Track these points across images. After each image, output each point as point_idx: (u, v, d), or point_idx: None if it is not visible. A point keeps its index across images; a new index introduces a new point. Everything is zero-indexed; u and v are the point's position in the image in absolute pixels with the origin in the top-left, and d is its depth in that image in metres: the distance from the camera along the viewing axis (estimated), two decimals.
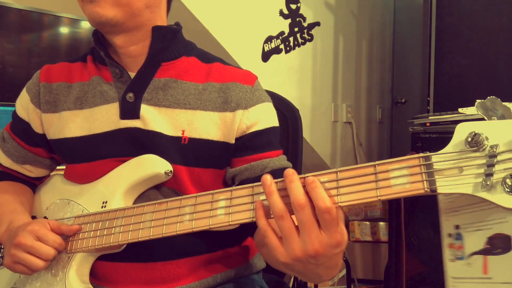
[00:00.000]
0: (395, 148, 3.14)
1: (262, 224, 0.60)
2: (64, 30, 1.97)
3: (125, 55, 0.85)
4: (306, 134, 2.17)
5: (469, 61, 2.04)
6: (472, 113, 1.52)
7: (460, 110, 1.57)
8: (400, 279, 1.60)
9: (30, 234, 0.76)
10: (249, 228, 0.87)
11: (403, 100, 2.98)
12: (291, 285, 1.24)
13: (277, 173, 0.85)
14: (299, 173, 0.60)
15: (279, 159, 0.87)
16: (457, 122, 1.55)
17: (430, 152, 0.55)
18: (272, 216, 0.60)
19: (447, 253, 0.59)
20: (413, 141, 1.67)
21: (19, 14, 1.83)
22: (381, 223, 2.24)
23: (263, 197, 0.62)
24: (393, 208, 1.68)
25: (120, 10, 0.79)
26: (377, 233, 2.25)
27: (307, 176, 0.59)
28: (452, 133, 0.55)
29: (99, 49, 0.86)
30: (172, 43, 0.87)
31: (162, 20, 0.88)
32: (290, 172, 0.58)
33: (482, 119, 1.66)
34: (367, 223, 2.25)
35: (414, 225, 1.60)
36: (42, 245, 0.76)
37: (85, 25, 2.01)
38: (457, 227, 0.58)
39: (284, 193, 0.59)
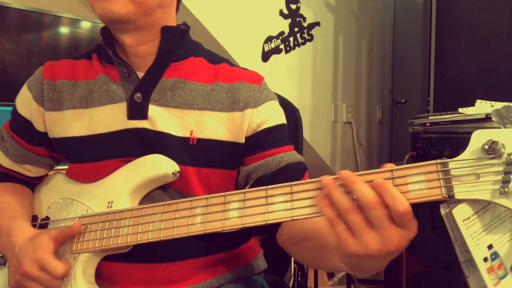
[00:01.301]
0: (395, 148, 3.14)
1: (330, 213, 0.57)
2: (64, 30, 1.97)
3: (134, 54, 0.85)
4: (306, 134, 2.17)
5: (469, 61, 2.04)
6: (472, 113, 1.51)
7: (460, 110, 1.57)
8: (400, 279, 1.60)
9: (35, 264, 0.75)
10: (252, 229, 0.86)
11: (403, 100, 2.98)
12: (291, 285, 1.23)
13: (293, 167, 0.84)
14: None
15: (293, 153, 0.87)
16: (457, 122, 1.56)
17: (446, 158, 0.56)
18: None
19: (488, 280, 0.55)
20: (413, 141, 1.66)
21: (19, 14, 1.83)
22: None
23: (277, 199, 0.62)
24: None
25: (134, 7, 0.77)
26: None
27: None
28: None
29: (107, 48, 0.85)
30: (181, 44, 0.87)
31: (172, 20, 0.87)
32: (350, 174, 0.57)
33: (483, 119, 1.64)
34: None
35: None
36: (47, 277, 0.75)
37: (85, 25, 2.01)
38: (490, 247, 0.56)
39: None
